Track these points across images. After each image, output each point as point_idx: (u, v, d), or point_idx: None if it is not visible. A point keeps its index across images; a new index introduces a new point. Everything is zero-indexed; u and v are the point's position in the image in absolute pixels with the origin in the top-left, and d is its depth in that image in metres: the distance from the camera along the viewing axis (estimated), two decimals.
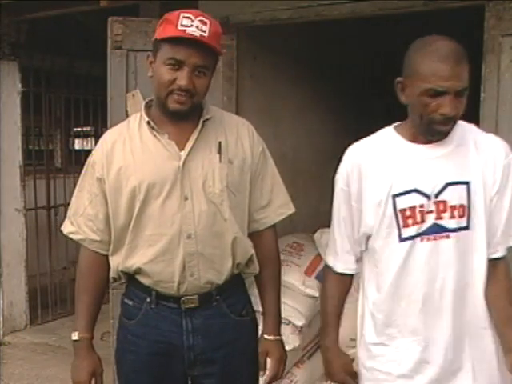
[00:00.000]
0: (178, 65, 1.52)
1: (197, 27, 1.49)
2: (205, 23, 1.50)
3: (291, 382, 2.97)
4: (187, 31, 1.49)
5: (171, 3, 3.40)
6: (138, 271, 1.62)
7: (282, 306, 2.87)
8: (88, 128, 6.30)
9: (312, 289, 2.91)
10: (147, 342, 1.64)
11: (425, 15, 2.93)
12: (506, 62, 2.31)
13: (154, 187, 1.56)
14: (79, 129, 6.26)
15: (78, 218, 1.67)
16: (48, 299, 4.53)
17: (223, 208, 1.59)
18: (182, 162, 1.57)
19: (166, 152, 1.58)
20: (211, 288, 1.62)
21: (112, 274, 1.70)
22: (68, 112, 4.93)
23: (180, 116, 1.59)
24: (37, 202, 4.52)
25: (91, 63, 4.77)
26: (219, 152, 1.59)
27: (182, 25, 1.49)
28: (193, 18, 1.50)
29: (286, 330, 2.87)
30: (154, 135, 1.60)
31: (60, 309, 4.62)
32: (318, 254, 3.10)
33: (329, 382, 3.07)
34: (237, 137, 1.65)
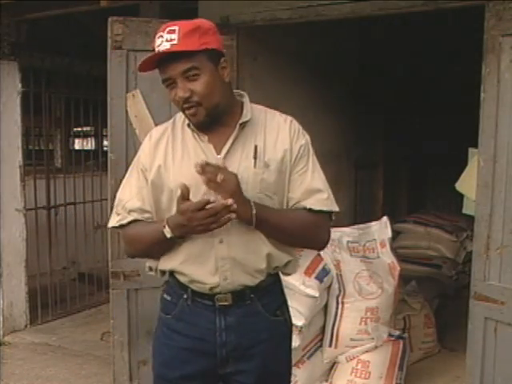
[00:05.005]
0: (172, 82, 1.55)
1: (166, 40, 1.51)
2: (173, 31, 1.51)
3: (291, 382, 2.96)
4: (160, 49, 1.52)
5: (171, 3, 3.42)
6: (174, 270, 1.65)
7: None
8: (88, 128, 6.31)
9: (312, 289, 2.90)
10: (181, 336, 1.67)
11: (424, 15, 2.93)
12: (506, 61, 2.30)
13: (189, 190, 1.56)
14: (79, 129, 6.26)
15: (125, 207, 1.66)
16: (48, 299, 4.51)
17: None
18: None
19: (203, 155, 1.60)
20: (245, 288, 1.64)
21: (148, 263, 1.70)
22: (68, 112, 4.91)
23: (206, 125, 1.60)
24: (37, 201, 4.49)
25: (91, 63, 4.77)
26: (254, 157, 1.60)
27: (157, 46, 1.53)
28: (162, 33, 1.52)
29: None
30: (195, 137, 1.63)
31: (60, 309, 4.60)
32: (318, 254, 3.10)
33: (329, 382, 3.09)
34: (277, 137, 1.64)
